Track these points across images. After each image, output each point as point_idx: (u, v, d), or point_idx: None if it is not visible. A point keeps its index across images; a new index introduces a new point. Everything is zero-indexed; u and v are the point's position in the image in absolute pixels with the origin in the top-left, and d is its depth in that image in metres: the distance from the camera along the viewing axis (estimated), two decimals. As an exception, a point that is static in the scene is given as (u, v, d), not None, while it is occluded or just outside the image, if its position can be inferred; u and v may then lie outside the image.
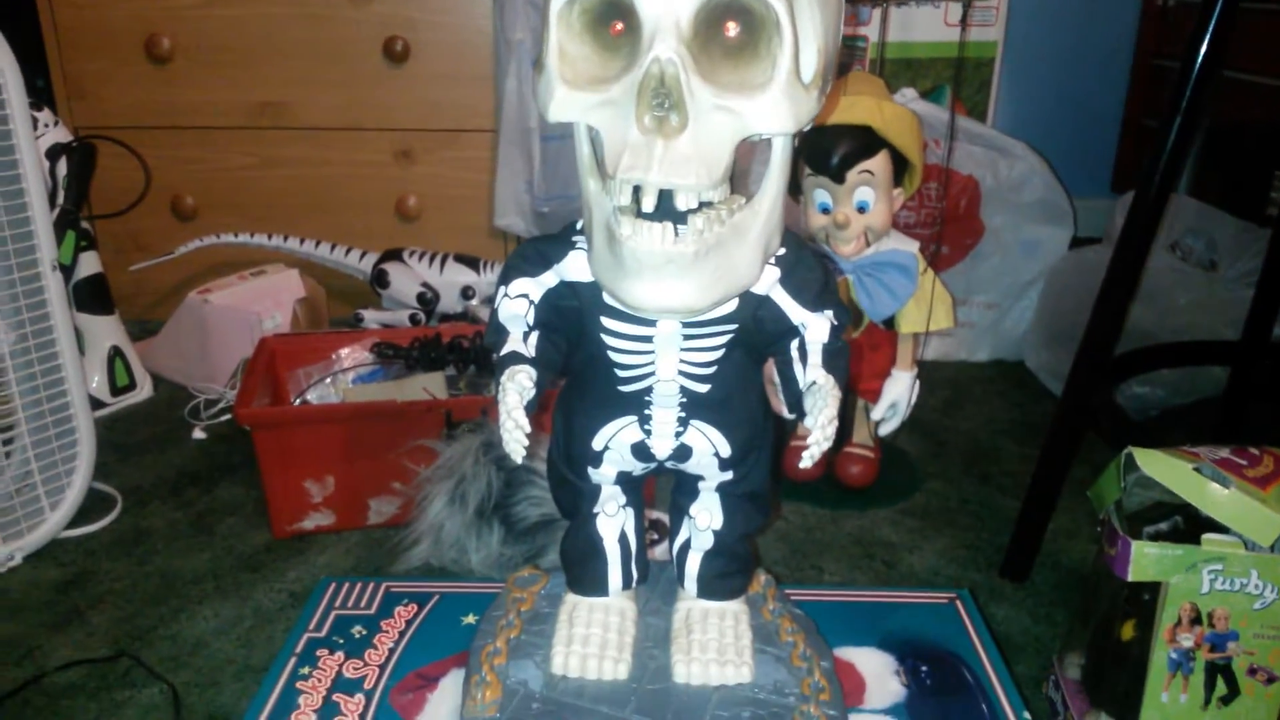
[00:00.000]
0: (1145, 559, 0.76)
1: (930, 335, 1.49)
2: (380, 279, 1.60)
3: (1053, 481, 1.04)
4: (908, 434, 1.35)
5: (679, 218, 0.53)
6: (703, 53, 0.52)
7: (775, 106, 0.52)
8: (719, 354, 0.63)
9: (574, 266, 0.62)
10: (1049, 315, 1.55)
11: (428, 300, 1.59)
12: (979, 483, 1.29)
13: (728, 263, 0.55)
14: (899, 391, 1.20)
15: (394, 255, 1.62)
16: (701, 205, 0.53)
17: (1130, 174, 2.03)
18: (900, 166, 1.11)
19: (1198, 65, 0.89)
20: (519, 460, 0.61)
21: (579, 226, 0.62)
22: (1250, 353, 1.20)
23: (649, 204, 0.52)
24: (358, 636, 0.80)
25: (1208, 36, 0.89)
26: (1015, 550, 1.08)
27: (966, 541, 1.16)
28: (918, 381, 1.22)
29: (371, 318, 1.59)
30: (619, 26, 0.53)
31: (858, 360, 1.20)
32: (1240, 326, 1.25)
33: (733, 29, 0.52)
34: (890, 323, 1.17)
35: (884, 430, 1.23)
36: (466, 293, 1.60)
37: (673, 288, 0.54)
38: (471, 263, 1.61)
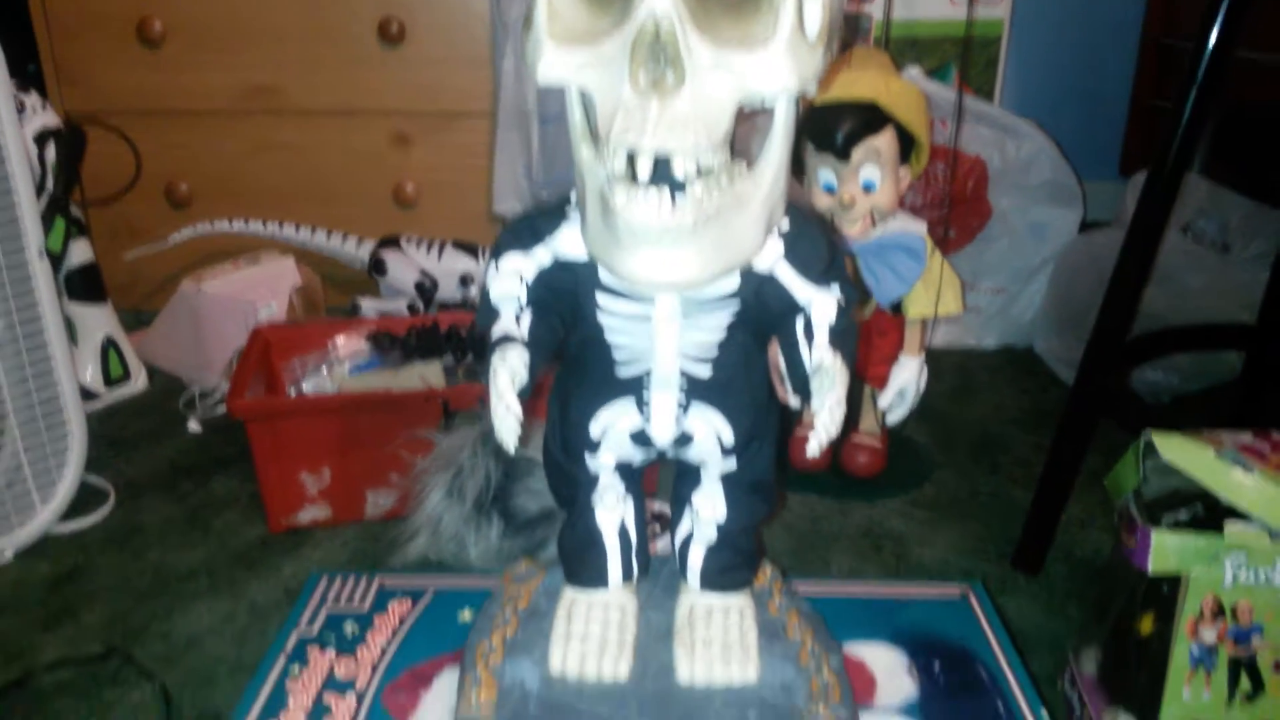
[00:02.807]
0: (1166, 549, 0.73)
1: (938, 321, 1.47)
2: (378, 266, 1.57)
3: (1066, 470, 1.01)
4: (915, 423, 1.33)
5: (677, 185, 0.50)
6: (700, 6, 0.49)
7: (778, 63, 0.49)
8: (720, 335, 0.60)
9: (568, 242, 0.59)
10: (1059, 300, 1.52)
11: (426, 288, 1.56)
12: (989, 472, 1.26)
13: (728, 234, 0.52)
14: (907, 378, 1.17)
15: (391, 242, 1.59)
16: (700, 172, 0.50)
17: (1138, 156, 1.99)
18: (906, 144, 1.08)
19: (1212, 43, 0.86)
20: (511, 448, 0.58)
21: (573, 199, 0.59)
22: (1266, 336, 1.17)
23: (644, 170, 0.49)
24: (350, 634, 0.78)
25: (1222, 14, 0.86)
26: (1028, 541, 1.05)
27: (977, 533, 1.13)
28: (925, 368, 1.19)
29: (369, 306, 1.57)
30: (611, -23, 0.50)
31: (864, 346, 1.17)
32: (1254, 309, 1.22)
33: (732, -22, 0.49)
34: (897, 307, 1.14)
35: (891, 418, 1.20)
36: (465, 280, 1.57)
37: (671, 260, 0.51)
38: (470, 250, 1.58)
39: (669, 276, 0.51)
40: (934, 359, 1.22)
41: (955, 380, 1.50)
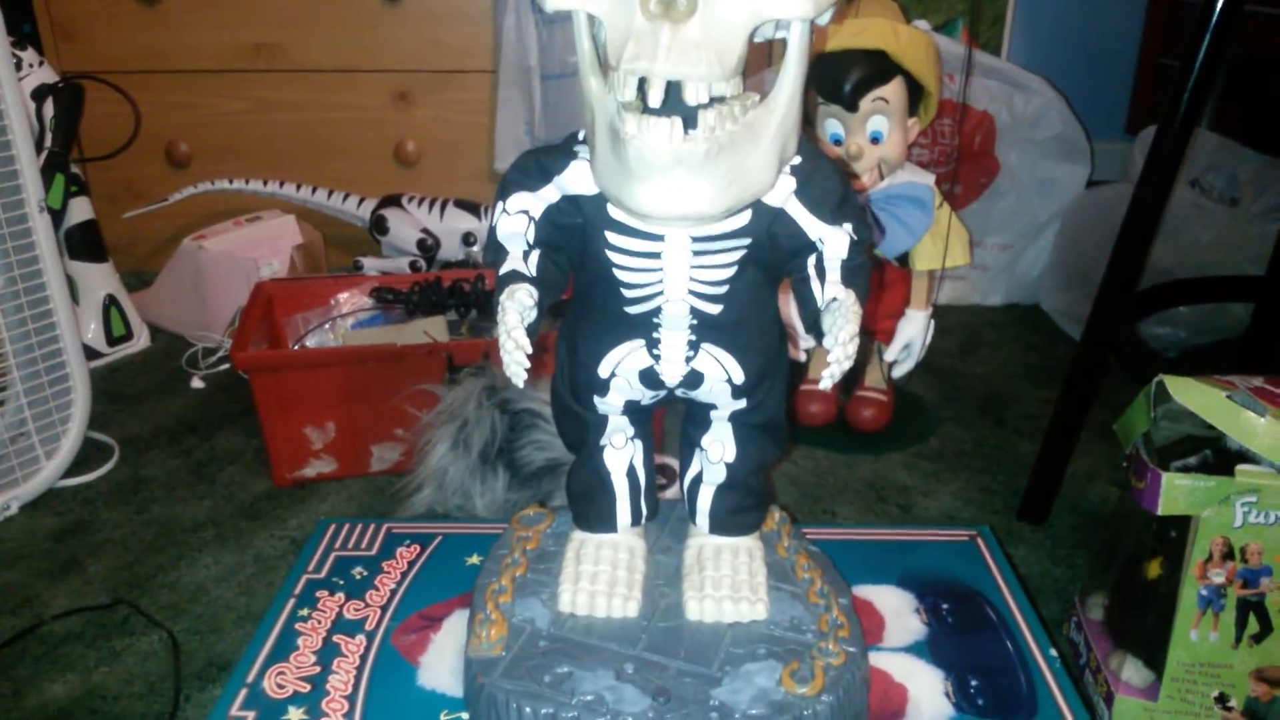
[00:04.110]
0: (1176, 492, 0.72)
1: (944, 277, 1.45)
2: (379, 225, 1.56)
3: (1073, 419, 1.01)
4: (921, 378, 1.32)
5: (688, 115, 0.49)
6: None
7: None
8: (731, 271, 0.59)
9: (576, 178, 0.58)
10: (1066, 256, 1.51)
11: (428, 247, 1.55)
12: (994, 426, 1.26)
13: (741, 165, 0.51)
14: (913, 331, 1.17)
15: (393, 201, 1.58)
16: (713, 101, 0.50)
17: (1146, 115, 1.97)
18: (915, 95, 1.07)
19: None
20: (521, 384, 0.57)
21: (581, 136, 0.59)
22: (1275, 287, 1.16)
23: (656, 97, 0.48)
24: (358, 578, 0.78)
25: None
26: (1034, 491, 1.05)
27: (982, 484, 1.13)
28: (933, 322, 1.18)
29: (371, 265, 1.56)
30: (621, -100, 0.49)
31: (871, 300, 1.16)
32: (1263, 262, 1.22)
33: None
34: (904, 260, 1.13)
35: (898, 372, 1.20)
36: (468, 239, 1.56)
37: (682, 191, 0.50)
38: (472, 208, 1.57)
39: (680, 208, 0.51)
40: (939, 316, 1.21)
41: (961, 337, 1.50)
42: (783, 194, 0.58)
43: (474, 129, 1.65)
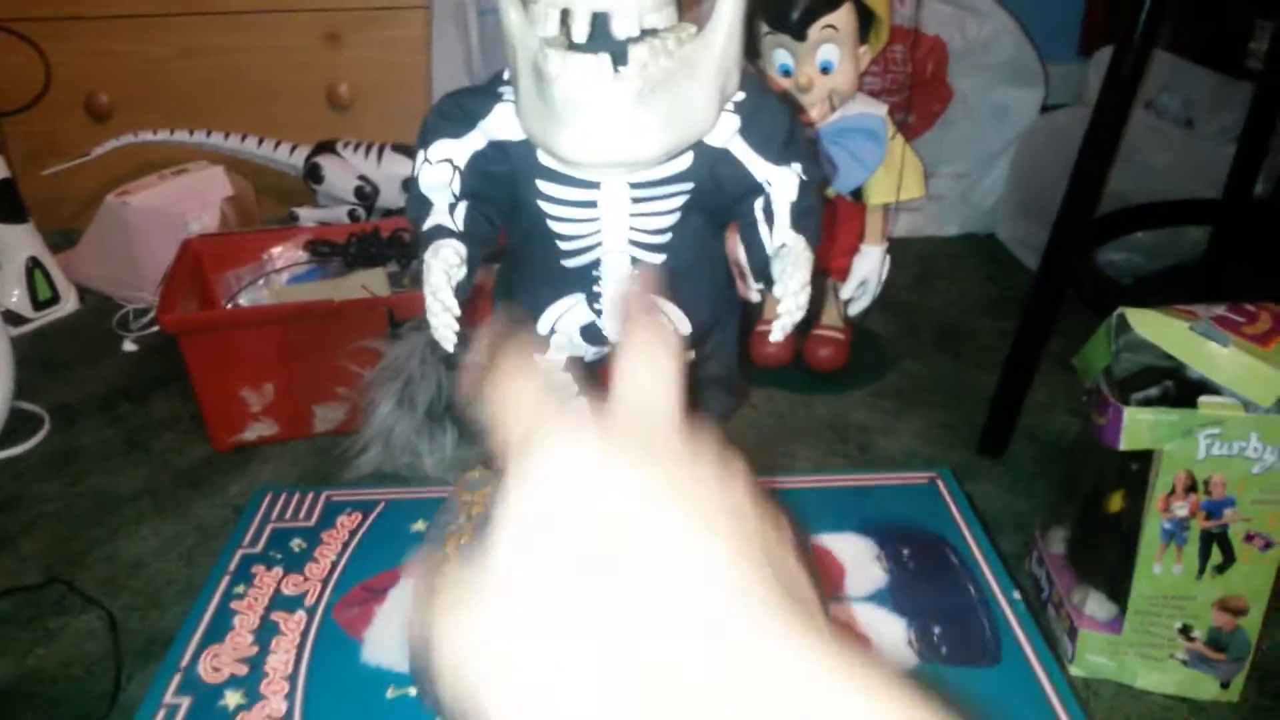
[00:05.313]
0: (1139, 426, 0.71)
1: (899, 209, 1.43)
2: (313, 173, 1.50)
3: (1031, 351, 0.99)
4: (877, 314, 1.30)
5: (618, 50, 0.45)
6: None
7: None
8: (673, 219, 0.56)
9: (501, 122, 0.54)
10: (1021, 184, 1.48)
11: (367, 194, 1.49)
12: (952, 360, 1.24)
13: (678, 104, 0.47)
14: (869, 268, 1.14)
15: (327, 147, 1.51)
16: (644, 34, 0.46)
17: (1100, 36, 1.94)
18: (865, 22, 1.03)
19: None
20: (450, 348, 0.54)
21: (506, 76, 0.54)
22: (1232, 210, 1.15)
23: (581, 31, 0.44)
24: (297, 550, 0.74)
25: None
26: (992, 425, 1.04)
27: (942, 420, 1.12)
28: (888, 256, 1.15)
29: (307, 216, 1.49)
30: None
31: (824, 238, 1.13)
32: (1219, 186, 1.20)
33: None
34: (858, 194, 1.10)
35: (854, 309, 1.17)
36: (409, 185, 1.50)
37: (614, 134, 0.46)
38: (412, 153, 1.50)
39: (612, 154, 0.47)
40: (895, 248, 1.19)
41: (917, 269, 1.47)
42: (726, 133, 0.54)
43: (410, 69, 1.58)
